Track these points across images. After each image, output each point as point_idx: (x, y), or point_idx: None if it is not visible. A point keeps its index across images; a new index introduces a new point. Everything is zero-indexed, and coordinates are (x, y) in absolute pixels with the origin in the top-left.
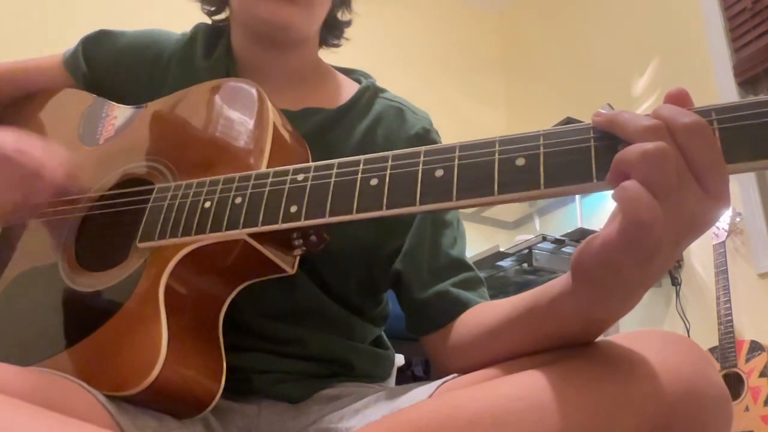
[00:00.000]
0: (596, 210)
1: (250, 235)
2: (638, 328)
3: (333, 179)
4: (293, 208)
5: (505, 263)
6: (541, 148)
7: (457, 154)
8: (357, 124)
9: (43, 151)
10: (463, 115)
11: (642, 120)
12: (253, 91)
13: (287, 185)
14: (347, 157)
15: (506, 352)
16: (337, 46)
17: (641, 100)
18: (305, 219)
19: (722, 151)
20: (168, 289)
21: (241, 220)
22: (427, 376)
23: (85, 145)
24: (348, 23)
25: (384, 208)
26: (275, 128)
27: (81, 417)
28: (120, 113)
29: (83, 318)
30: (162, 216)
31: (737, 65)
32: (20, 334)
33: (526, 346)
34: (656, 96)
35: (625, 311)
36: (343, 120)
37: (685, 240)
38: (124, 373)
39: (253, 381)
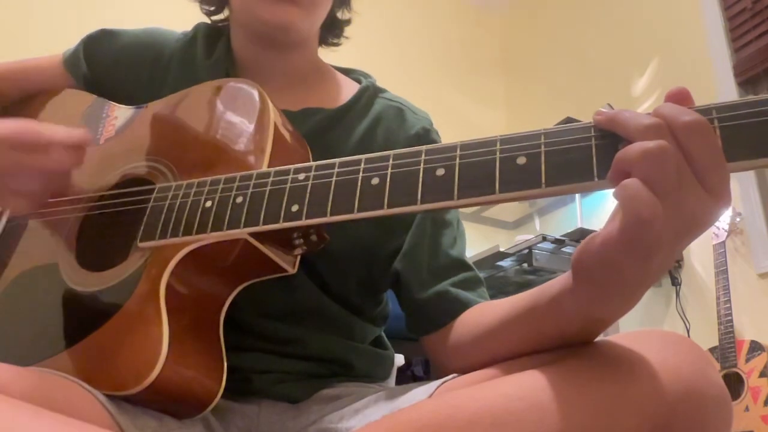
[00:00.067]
0: (596, 210)
1: (251, 234)
2: (638, 328)
3: (334, 178)
4: (294, 208)
5: (505, 263)
6: (542, 146)
7: (458, 153)
8: (357, 124)
9: (47, 131)
10: (463, 116)
11: (643, 118)
12: (254, 91)
13: (288, 184)
14: (347, 156)
15: (506, 351)
16: (337, 45)
17: (641, 100)
18: (306, 218)
19: (723, 149)
20: (169, 288)
21: (243, 220)
22: (427, 376)
23: None
24: (348, 22)
25: (385, 207)
26: (276, 128)
27: (81, 417)
28: (120, 113)
29: (83, 318)
30: (163, 216)
31: (737, 65)
32: (20, 334)
33: (525, 345)
34: (656, 96)
35: (625, 311)
36: (342, 120)
37: (685, 239)
38: (124, 373)
39: (253, 381)
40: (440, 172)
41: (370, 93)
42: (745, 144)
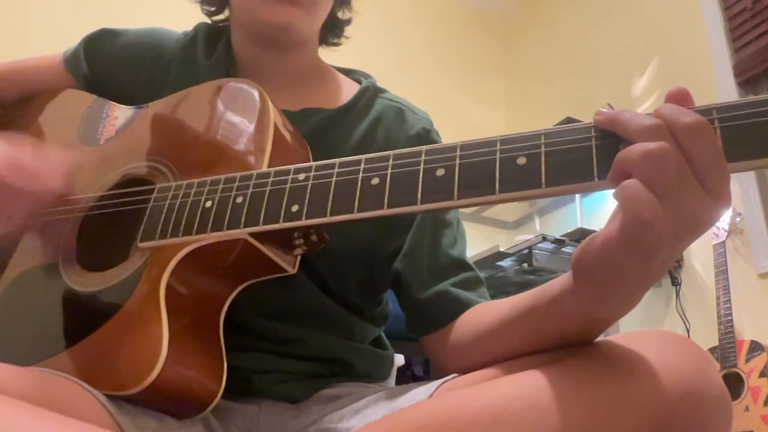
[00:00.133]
0: (596, 210)
1: (251, 234)
2: (638, 328)
3: (334, 179)
4: (294, 208)
5: (505, 263)
6: (543, 147)
7: (458, 153)
8: (357, 124)
9: (36, 163)
10: (463, 116)
11: (643, 119)
12: (254, 91)
13: (288, 185)
14: (347, 157)
15: (506, 351)
16: (338, 44)
17: (641, 100)
18: (306, 218)
19: (723, 149)
20: (169, 288)
21: (243, 220)
22: (427, 376)
23: (85, 145)
24: (348, 22)
25: (385, 207)
26: (276, 128)
27: (81, 417)
28: (120, 113)
29: (84, 318)
30: (163, 216)
31: (737, 65)
32: (20, 334)
33: (526, 345)
34: (656, 96)
35: (625, 311)
36: (343, 120)
37: (685, 239)
38: (124, 373)
39: (253, 381)
40: (440, 172)
41: (370, 93)
42: (746, 144)
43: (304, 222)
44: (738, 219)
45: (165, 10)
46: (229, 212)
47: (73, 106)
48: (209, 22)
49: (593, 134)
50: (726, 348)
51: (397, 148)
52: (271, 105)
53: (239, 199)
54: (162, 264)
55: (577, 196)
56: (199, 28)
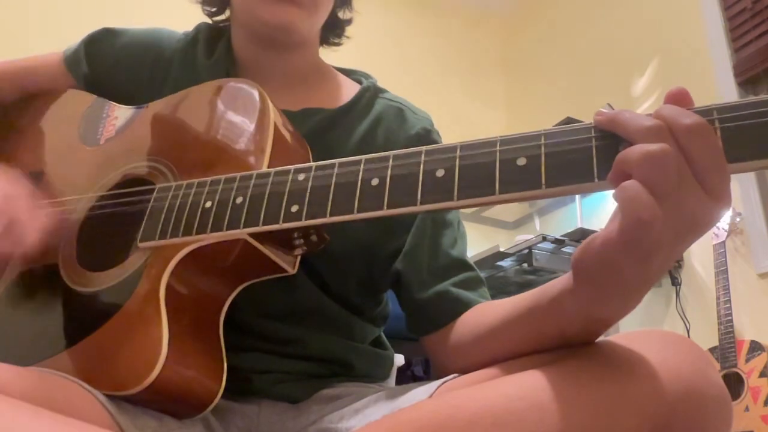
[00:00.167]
0: (596, 210)
1: (251, 234)
2: (638, 328)
3: (334, 179)
4: (294, 208)
5: (505, 263)
6: (543, 147)
7: (458, 153)
8: (357, 124)
9: (21, 227)
10: (463, 116)
11: (643, 120)
12: (255, 91)
13: (288, 185)
14: (347, 157)
15: (507, 351)
16: (338, 44)
17: (641, 100)
18: (306, 219)
19: (724, 150)
20: (169, 289)
21: (242, 220)
22: (427, 376)
23: (85, 145)
24: (349, 22)
25: (385, 207)
26: (276, 128)
27: (81, 417)
28: (121, 113)
29: (83, 318)
30: (163, 216)
31: (737, 65)
32: (21, 335)
33: (526, 345)
34: (656, 96)
35: (626, 312)
36: (343, 120)
37: (685, 240)
38: (124, 373)
39: (253, 381)
40: (440, 172)
41: (370, 93)
42: (747, 145)
43: (303, 222)
44: (738, 219)
45: (165, 10)
46: (228, 212)
47: (74, 106)
48: (210, 22)
49: (593, 135)
50: (726, 348)
51: (398, 148)
52: (271, 105)
53: (239, 200)
54: (162, 264)
55: (577, 196)
56: (199, 28)
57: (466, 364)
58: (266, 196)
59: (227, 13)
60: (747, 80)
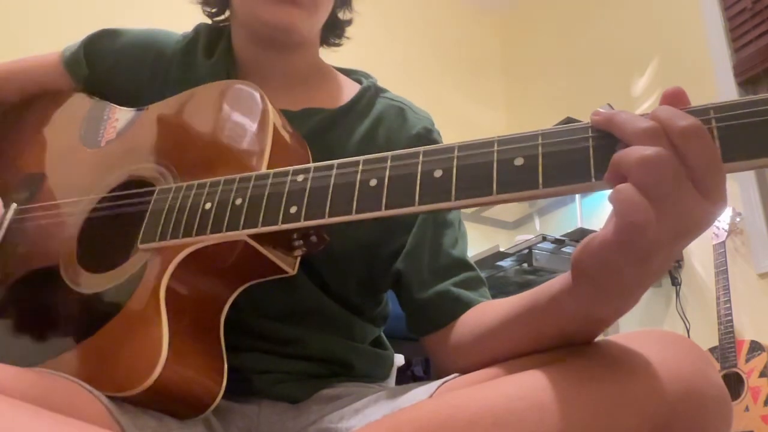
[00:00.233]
0: (596, 210)
1: (251, 236)
2: (638, 328)
3: (332, 180)
4: (293, 209)
5: (505, 263)
6: (540, 147)
7: (455, 154)
8: (358, 124)
9: None
10: (463, 116)
11: (640, 122)
12: (254, 92)
13: (287, 186)
14: (348, 157)
15: (506, 351)
16: (338, 45)
17: (641, 100)
18: (305, 219)
19: (721, 149)
20: (169, 290)
21: (242, 221)
22: (427, 376)
23: (86, 147)
24: (349, 22)
25: (383, 208)
26: (275, 129)
27: (81, 417)
28: (121, 116)
29: (84, 319)
30: (163, 217)
31: (737, 65)
32: (21, 336)
33: (525, 345)
34: (656, 96)
35: (625, 311)
36: (343, 120)
37: (683, 240)
38: (124, 374)
39: (253, 381)
40: (438, 173)
41: (371, 93)
42: (743, 144)
43: (302, 223)
44: (738, 219)
45: (165, 11)
46: (228, 214)
47: (75, 108)
48: (209, 22)
49: (590, 135)
50: (726, 348)
51: (398, 148)
52: (270, 106)
53: (238, 201)
54: (162, 265)
55: (577, 196)
56: (199, 28)
57: (467, 364)
58: (265, 198)
59: (227, 13)
60: (747, 80)
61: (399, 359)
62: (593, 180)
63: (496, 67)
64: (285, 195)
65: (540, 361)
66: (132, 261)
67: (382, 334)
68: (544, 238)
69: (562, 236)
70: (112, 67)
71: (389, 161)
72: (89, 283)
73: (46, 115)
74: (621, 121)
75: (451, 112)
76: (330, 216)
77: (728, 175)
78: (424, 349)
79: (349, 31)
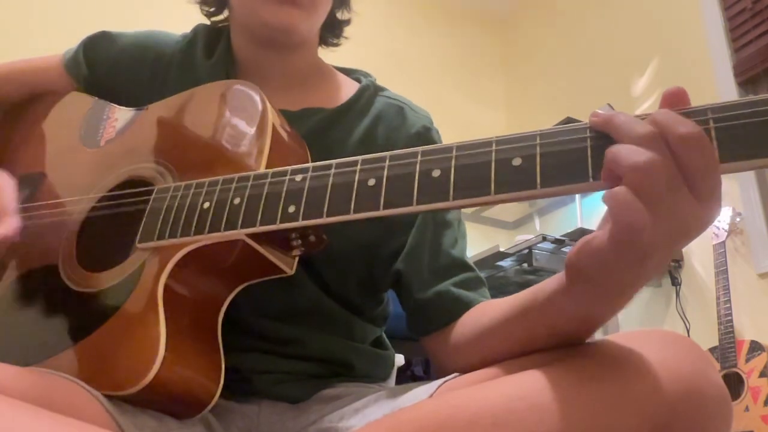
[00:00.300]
0: (596, 210)
1: (249, 235)
2: (638, 328)
3: (331, 179)
4: (291, 209)
5: (505, 263)
6: (538, 147)
7: (454, 154)
8: (357, 123)
9: None
10: (463, 116)
11: (638, 127)
12: (253, 92)
13: (285, 185)
14: (348, 156)
15: (505, 350)
16: (337, 45)
17: (641, 100)
18: (303, 219)
19: (719, 150)
20: (167, 289)
21: (240, 221)
22: (427, 376)
23: (86, 147)
24: (348, 22)
25: (381, 208)
26: (275, 129)
27: (81, 417)
28: (121, 115)
29: (83, 318)
30: (161, 216)
31: (737, 65)
32: (20, 335)
33: (523, 344)
34: (656, 96)
35: (618, 309)
36: (343, 119)
37: (679, 242)
38: (122, 373)
39: (253, 381)
40: (436, 173)
41: (370, 92)
42: (741, 145)
43: (300, 223)
44: (738, 219)
45: (165, 11)
46: (226, 213)
47: (75, 108)
48: (208, 23)
49: (588, 135)
50: (726, 348)
51: (398, 147)
52: (269, 106)
53: (236, 200)
54: (160, 265)
55: (577, 196)
56: (198, 29)
57: (466, 364)
58: (263, 197)
59: (225, 13)
60: (747, 80)
61: (399, 359)
62: (591, 180)
63: (496, 67)
64: (283, 194)
65: (540, 361)
66: (130, 260)
67: (383, 335)
68: (544, 238)
69: (562, 236)
70: (111, 68)
71: (387, 161)
72: (88, 282)
73: (46, 115)
74: (619, 123)
75: (451, 112)
76: (328, 216)
77: (728, 175)
78: (423, 349)
79: (349, 31)
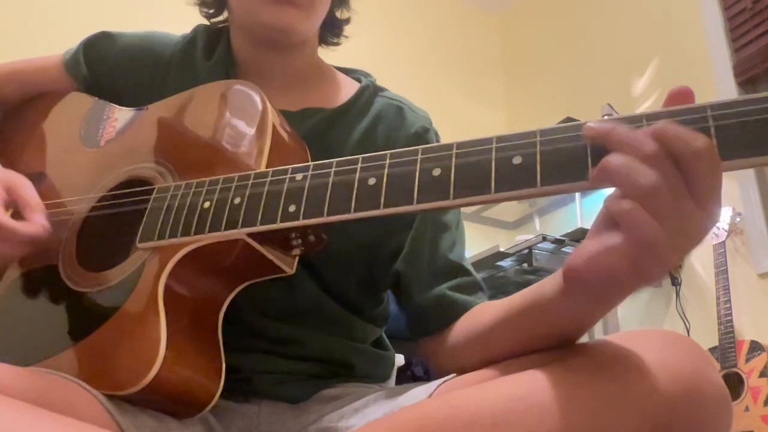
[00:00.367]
0: (596, 210)
1: (249, 234)
2: (638, 328)
3: (331, 179)
4: (291, 208)
5: (505, 263)
6: (538, 146)
7: (454, 152)
8: (357, 123)
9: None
10: (463, 116)
11: (642, 145)
12: (253, 92)
13: (286, 185)
14: (347, 156)
15: (505, 350)
16: (337, 44)
17: (641, 100)
18: (303, 218)
19: (718, 147)
20: (167, 289)
21: (240, 220)
22: (427, 376)
23: (86, 146)
24: (347, 21)
25: (381, 207)
26: (274, 129)
27: (81, 417)
28: (121, 115)
29: (83, 318)
30: (161, 216)
31: (737, 65)
32: (20, 335)
33: (524, 344)
34: (656, 96)
35: (611, 309)
36: (342, 119)
37: (683, 249)
38: (122, 373)
39: (253, 381)
40: (436, 172)
41: (370, 92)
42: (741, 143)
43: (301, 222)
44: (738, 219)
45: (165, 11)
46: (226, 213)
47: (75, 108)
48: (208, 24)
49: None
50: (726, 348)
51: (397, 147)
52: (270, 106)
53: (237, 200)
54: (160, 264)
55: (577, 195)
56: (197, 30)
57: (465, 365)
58: (264, 196)
59: (225, 14)
60: (747, 80)
61: (399, 359)
62: (590, 179)
63: (496, 67)
64: (284, 194)
65: (539, 361)
66: (131, 260)
67: (383, 335)
68: (544, 238)
69: (562, 236)
70: (111, 69)
71: (388, 160)
72: (88, 282)
73: (46, 115)
74: (619, 139)
75: (451, 112)
76: (328, 215)
77: (728, 175)
78: (420, 350)
79: (349, 30)
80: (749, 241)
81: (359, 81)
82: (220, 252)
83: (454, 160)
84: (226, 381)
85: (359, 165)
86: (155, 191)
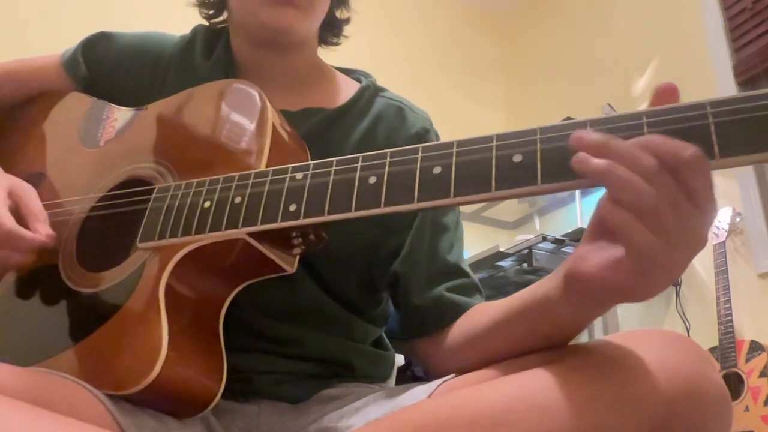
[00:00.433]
0: None
1: (250, 234)
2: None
3: (331, 177)
4: (292, 207)
5: (505, 263)
6: (538, 144)
7: (454, 150)
8: (357, 123)
9: (13, 224)
10: (463, 116)
11: (640, 159)
12: (253, 92)
13: (286, 184)
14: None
15: (505, 350)
16: (337, 44)
17: (641, 100)
18: (304, 217)
19: (718, 144)
20: (168, 288)
21: (241, 220)
22: (427, 376)
23: (85, 147)
24: (347, 21)
25: (382, 205)
26: (274, 128)
27: (81, 417)
28: (120, 115)
29: (84, 318)
30: (162, 216)
31: (737, 65)
32: (21, 335)
33: (524, 344)
34: None
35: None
36: (342, 119)
37: (688, 256)
38: (123, 373)
39: (253, 381)
40: (437, 170)
41: (370, 92)
42: (741, 139)
43: (301, 221)
44: (738, 219)
45: (165, 11)
46: (227, 212)
47: (75, 108)
48: (207, 24)
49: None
50: (726, 348)
51: (397, 147)
52: (269, 106)
53: (237, 199)
54: (161, 264)
55: (578, 195)
56: (197, 30)
57: (464, 365)
58: (264, 196)
59: (224, 15)
60: (747, 80)
61: (399, 359)
62: None
63: (496, 67)
64: (284, 193)
65: (539, 361)
66: (131, 260)
67: (383, 335)
68: (544, 238)
69: (562, 236)
70: (111, 69)
71: (388, 158)
72: (89, 282)
73: (46, 115)
74: (619, 154)
75: (451, 112)
76: (329, 213)
77: (728, 175)
78: (414, 351)
79: (349, 30)
80: (749, 241)
81: (359, 81)
82: (221, 251)
83: (454, 158)
84: (227, 381)
85: (359, 164)
86: (155, 191)
